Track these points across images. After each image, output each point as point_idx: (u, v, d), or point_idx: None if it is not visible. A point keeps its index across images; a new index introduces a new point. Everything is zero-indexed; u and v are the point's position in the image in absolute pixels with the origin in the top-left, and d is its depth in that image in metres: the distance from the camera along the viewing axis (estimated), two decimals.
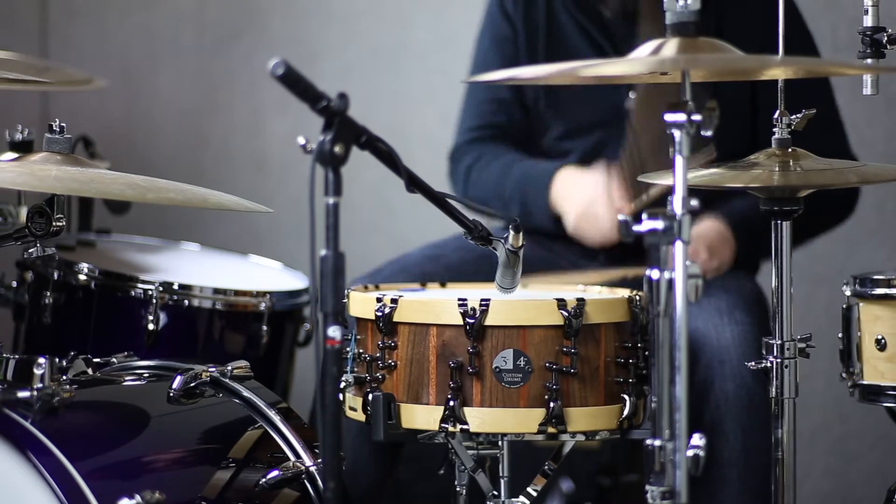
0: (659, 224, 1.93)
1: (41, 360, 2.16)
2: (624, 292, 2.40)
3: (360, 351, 2.31)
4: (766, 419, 2.61)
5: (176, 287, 2.83)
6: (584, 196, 3.03)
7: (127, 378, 2.41)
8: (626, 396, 2.26)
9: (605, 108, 3.12)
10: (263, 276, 3.18)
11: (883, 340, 2.52)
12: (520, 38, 3.21)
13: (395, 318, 2.25)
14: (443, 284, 2.63)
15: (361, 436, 2.83)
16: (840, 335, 2.58)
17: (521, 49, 3.21)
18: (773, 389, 2.37)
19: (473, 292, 2.37)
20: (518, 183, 3.15)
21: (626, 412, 2.26)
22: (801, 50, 3.01)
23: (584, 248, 3.14)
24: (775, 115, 2.40)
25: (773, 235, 2.38)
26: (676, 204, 1.94)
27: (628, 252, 3.00)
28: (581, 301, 2.22)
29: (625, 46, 3.06)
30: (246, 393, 2.39)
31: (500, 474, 2.36)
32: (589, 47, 3.14)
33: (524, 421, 2.21)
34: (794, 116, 2.39)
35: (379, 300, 2.27)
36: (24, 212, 2.92)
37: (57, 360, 2.21)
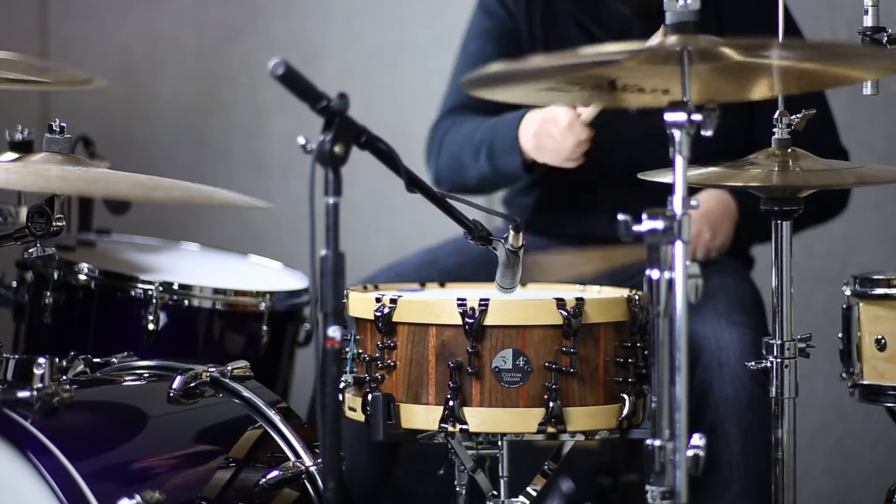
0: (659, 224, 1.93)
1: (41, 360, 2.16)
2: (623, 292, 2.40)
3: (360, 351, 2.31)
4: (765, 420, 2.60)
5: (176, 287, 2.83)
6: (547, 112, 2.90)
7: (127, 378, 2.41)
8: (625, 396, 2.26)
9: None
10: (263, 276, 3.18)
11: (883, 340, 2.52)
12: (523, 34, 3.19)
13: (395, 319, 2.26)
14: (442, 284, 2.63)
15: (361, 437, 2.83)
16: (840, 335, 2.59)
17: (525, 46, 3.18)
18: (773, 389, 2.37)
19: (472, 292, 2.37)
20: (488, 130, 3.06)
21: (625, 412, 2.26)
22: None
23: (581, 238, 3.13)
24: (775, 116, 2.40)
25: (773, 235, 2.38)
26: (676, 204, 1.94)
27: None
28: (580, 301, 2.22)
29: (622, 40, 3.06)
30: (246, 393, 2.39)
31: (500, 474, 2.36)
32: (587, 43, 3.13)
33: (523, 421, 2.21)
34: (794, 116, 2.40)
35: (378, 300, 2.27)
36: (24, 212, 2.92)
37: (57, 360, 2.21)
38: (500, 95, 2.20)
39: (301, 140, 1.98)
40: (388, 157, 2.11)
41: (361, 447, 2.90)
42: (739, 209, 3.02)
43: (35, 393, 2.14)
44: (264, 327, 2.89)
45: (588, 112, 2.83)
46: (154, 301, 2.79)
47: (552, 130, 2.86)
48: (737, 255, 3.14)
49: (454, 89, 3.28)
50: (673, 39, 2.03)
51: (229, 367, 2.41)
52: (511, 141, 2.98)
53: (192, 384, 2.33)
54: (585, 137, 2.84)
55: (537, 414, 2.21)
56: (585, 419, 2.23)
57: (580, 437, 2.27)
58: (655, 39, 2.23)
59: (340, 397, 2.29)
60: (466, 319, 2.21)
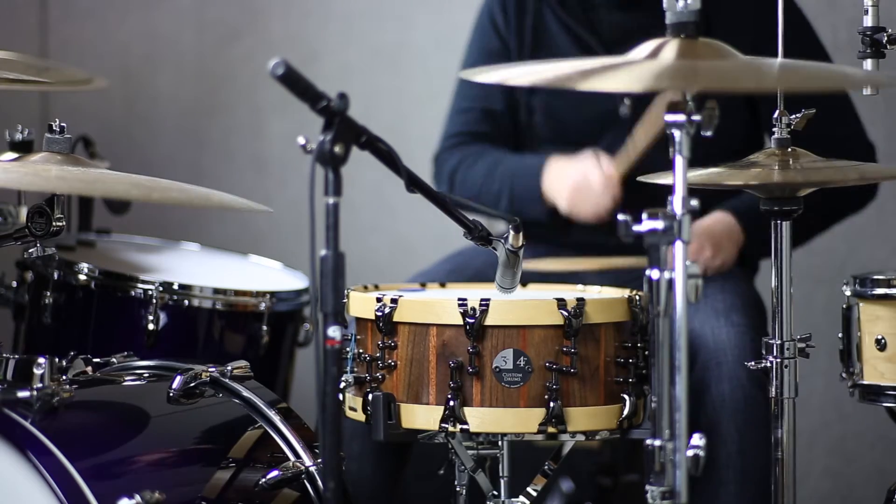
0: (659, 224, 1.93)
1: (41, 360, 2.16)
2: (624, 292, 2.40)
3: (360, 351, 2.31)
4: (762, 421, 2.61)
5: (176, 287, 2.83)
6: (576, 173, 3.03)
7: (127, 378, 2.41)
8: (625, 396, 2.26)
9: (601, 116, 3.10)
10: (263, 276, 3.18)
11: (883, 340, 2.52)
12: (512, 53, 3.22)
13: (395, 318, 2.26)
14: (442, 284, 2.63)
15: (367, 438, 2.82)
16: (840, 335, 2.59)
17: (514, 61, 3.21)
18: (773, 389, 2.37)
19: (473, 292, 2.37)
20: (507, 178, 3.16)
21: (625, 412, 2.26)
22: (801, 44, 2.99)
23: (580, 247, 3.14)
24: (775, 115, 2.40)
25: (773, 235, 2.38)
26: (676, 204, 1.94)
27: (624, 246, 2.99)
28: (581, 301, 2.22)
29: (615, 49, 3.07)
30: (246, 393, 2.39)
31: (500, 474, 2.36)
32: (578, 52, 3.13)
33: (524, 421, 2.21)
34: (793, 116, 2.40)
35: (379, 300, 2.27)
36: (24, 212, 2.92)
37: (57, 360, 2.21)
38: (497, 79, 2.21)
39: (301, 140, 1.97)
40: (388, 157, 2.11)
41: (365, 450, 2.89)
42: (745, 234, 3.02)
43: (35, 393, 2.14)
44: (264, 327, 2.89)
45: (620, 166, 2.99)
46: (154, 301, 2.78)
47: (588, 195, 3.02)
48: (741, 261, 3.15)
49: (455, 111, 3.32)
50: (672, 49, 2.02)
51: (229, 367, 2.41)
52: (533, 192, 3.12)
53: (192, 384, 2.33)
54: (619, 193, 3.00)
55: (538, 414, 2.21)
56: (586, 419, 2.23)
57: (580, 438, 2.27)
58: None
59: (341, 397, 2.29)
60: (467, 319, 2.21)
